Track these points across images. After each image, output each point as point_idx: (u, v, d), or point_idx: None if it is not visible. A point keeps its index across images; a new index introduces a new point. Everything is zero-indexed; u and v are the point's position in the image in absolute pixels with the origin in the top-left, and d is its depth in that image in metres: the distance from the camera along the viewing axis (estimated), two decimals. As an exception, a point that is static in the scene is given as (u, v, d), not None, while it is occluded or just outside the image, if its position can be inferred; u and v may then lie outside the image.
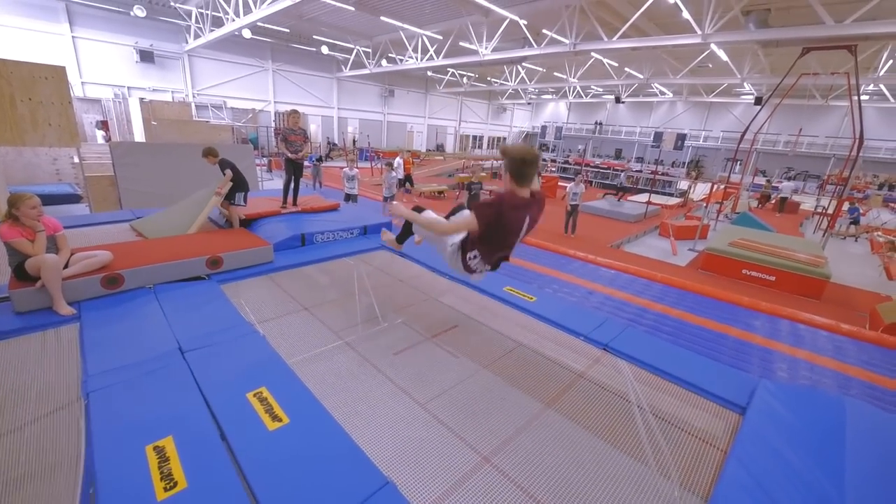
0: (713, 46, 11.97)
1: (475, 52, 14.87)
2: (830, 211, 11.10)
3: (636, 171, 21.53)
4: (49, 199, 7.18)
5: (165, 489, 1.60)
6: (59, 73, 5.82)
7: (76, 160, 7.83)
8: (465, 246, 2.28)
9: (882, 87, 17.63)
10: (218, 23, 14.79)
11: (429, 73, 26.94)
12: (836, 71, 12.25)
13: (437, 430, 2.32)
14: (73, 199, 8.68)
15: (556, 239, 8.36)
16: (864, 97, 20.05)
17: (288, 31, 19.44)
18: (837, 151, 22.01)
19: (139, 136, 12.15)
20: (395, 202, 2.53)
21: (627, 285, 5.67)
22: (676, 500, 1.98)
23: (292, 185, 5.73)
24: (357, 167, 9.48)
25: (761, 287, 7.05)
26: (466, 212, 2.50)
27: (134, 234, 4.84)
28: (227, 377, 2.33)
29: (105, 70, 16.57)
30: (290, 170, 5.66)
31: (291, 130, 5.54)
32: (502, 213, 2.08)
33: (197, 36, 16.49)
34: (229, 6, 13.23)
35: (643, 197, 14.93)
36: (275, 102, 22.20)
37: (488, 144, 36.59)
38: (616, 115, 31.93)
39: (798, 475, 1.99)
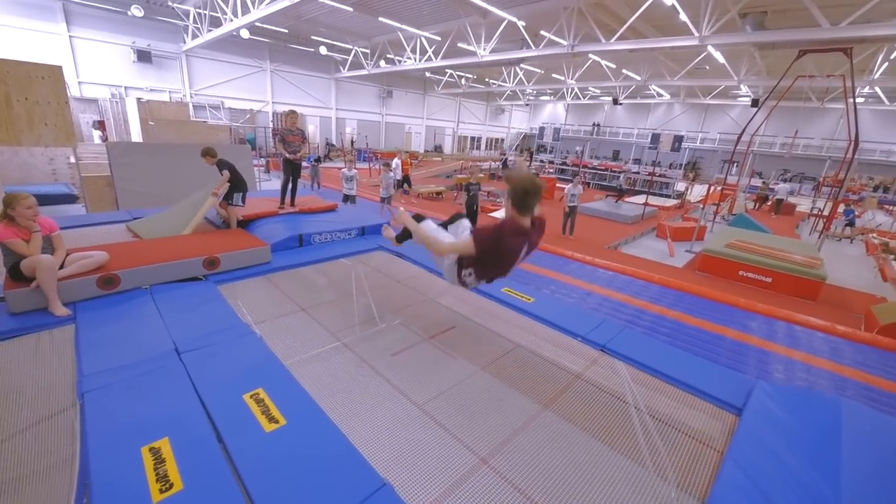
0: (710, 48, 12.03)
1: (473, 54, 14.89)
2: (826, 213, 11.17)
3: (634, 172, 21.59)
4: (45, 200, 7.12)
5: (161, 491, 1.59)
6: (55, 72, 5.80)
7: (72, 160, 7.80)
8: (462, 261, 2.30)
9: (877, 89, 17.76)
10: (216, 23, 14.77)
11: (427, 74, 26.96)
12: (832, 73, 12.32)
13: (435, 431, 2.31)
14: (69, 199, 8.63)
15: (553, 240, 8.37)
16: (859, 100, 20.16)
17: (286, 31, 19.43)
18: (833, 153, 22.14)
19: (136, 136, 12.12)
20: (402, 209, 2.54)
21: (625, 287, 5.67)
22: (673, 502, 1.98)
23: (290, 185, 5.72)
24: (356, 168, 9.47)
25: (758, 288, 7.08)
26: (467, 232, 2.55)
27: (130, 236, 4.82)
28: (223, 378, 2.33)
29: (102, 70, 16.50)
30: (287, 170, 5.66)
31: (289, 131, 5.53)
32: (502, 239, 2.10)
33: (195, 36, 16.46)
34: (227, 6, 13.21)
35: (641, 198, 14.98)
36: (273, 103, 22.16)
37: (486, 145, 36.65)
38: (614, 116, 32.03)
39: (794, 476, 2.00)
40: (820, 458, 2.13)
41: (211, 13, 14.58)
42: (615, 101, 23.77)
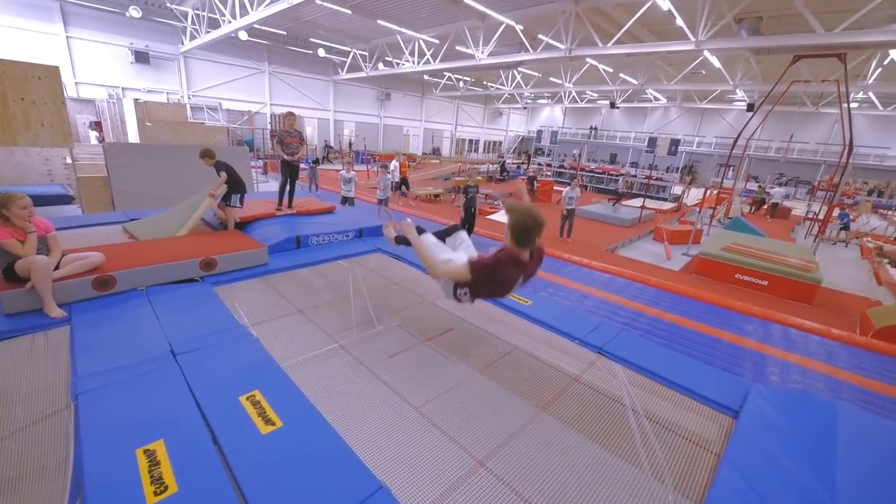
0: (706, 53, 12.13)
1: (472, 57, 14.95)
2: (821, 217, 11.25)
3: (632, 176, 21.69)
4: (40, 200, 7.08)
5: (156, 493, 1.58)
6: (52, 72, 5.78)
7: (69, 161, 7.76)
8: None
9: (871, 94, 17.94)
10: (214, 24, 14.77)
11: (425, 77, 26.99)
12: (827, 79, 12.46)
13: (432, 433, 2.31)
14: (65, 199, 8.57)
15: (551, 243, 8.39)
16: (853, 105, 20.40)
17: (284, 33, 19.45)
18: (828, 158, 22.36)
19: (133, 137, 12.07)
20: (408, 220, 2.53)
21: (622, 289, 5.69)
22: (670, 504, 1.98)
23: (288, 187, 5.71)
24: (354, 170, 9.47)
25: (754, 291, 7.11)
26: (464, 248, 2.54)
27: (126, 237, 4.80)
28: (219, 380, 2.31)
29: (99, 70, 16.47)
30: (285, 172, 5.65)
31: (287, 133, 5.54)
32: (498, 271, 2.09)
33: (193, 37, 16.44)
34: (226, 8, 13.21)
35: (638, 202, 15.04)
36: (271, 104, 22.16)
37: (484, 148, 36.75)
38: (611, 120, 32.21)
39: (790, 479, 2.01)
40: (816, 460, 2.13)
41: (209, 14, 14.58)
42: (612, 105, 23.93)
